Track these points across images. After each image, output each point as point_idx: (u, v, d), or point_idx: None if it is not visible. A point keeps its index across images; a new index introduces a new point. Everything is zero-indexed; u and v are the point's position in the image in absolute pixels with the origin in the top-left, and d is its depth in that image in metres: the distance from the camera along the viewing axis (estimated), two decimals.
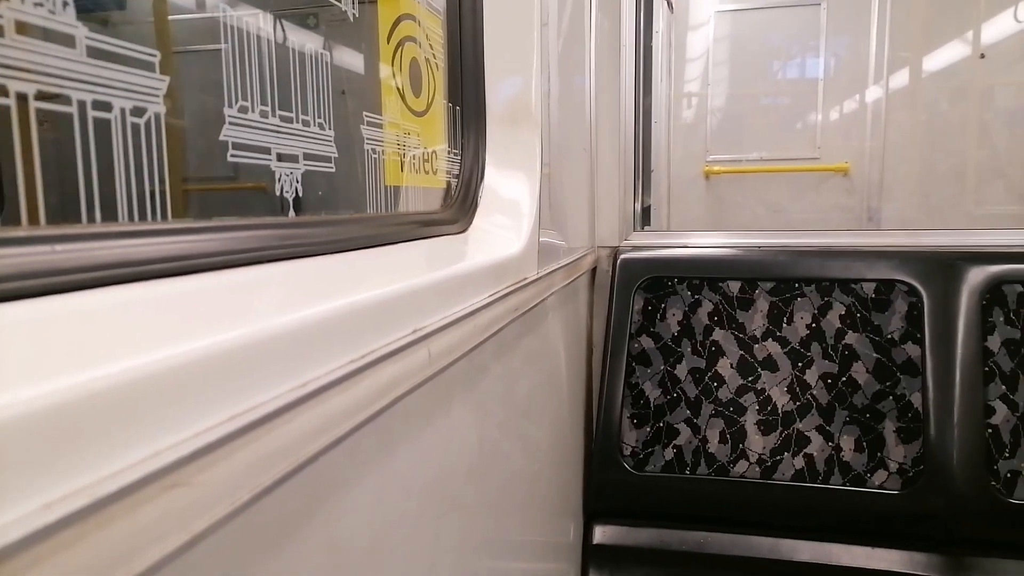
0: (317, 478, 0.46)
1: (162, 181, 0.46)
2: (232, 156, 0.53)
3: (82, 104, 0.39)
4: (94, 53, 0.39)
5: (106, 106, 0.41)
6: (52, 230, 0.38)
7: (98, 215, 0.40)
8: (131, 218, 0.44)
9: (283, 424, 0.39)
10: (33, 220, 0.37)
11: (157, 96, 0.44)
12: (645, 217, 2.22)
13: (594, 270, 1.84)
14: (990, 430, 1.51)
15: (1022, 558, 1.48)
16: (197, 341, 0.35)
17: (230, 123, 0.52)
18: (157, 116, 0.44)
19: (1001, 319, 1.56)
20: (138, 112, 0.43)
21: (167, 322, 0.38)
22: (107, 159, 0.41)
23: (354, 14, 0.71)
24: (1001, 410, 1.52)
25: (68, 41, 0.38)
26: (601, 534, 1.64)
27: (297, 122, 0.61)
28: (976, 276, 1.57)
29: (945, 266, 1.60)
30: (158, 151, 0.45)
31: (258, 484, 0.36)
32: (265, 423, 0.37)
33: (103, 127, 0.41)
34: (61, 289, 0.35)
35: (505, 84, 1.10)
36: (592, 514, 1.67)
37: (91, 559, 0.26)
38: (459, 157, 1.04)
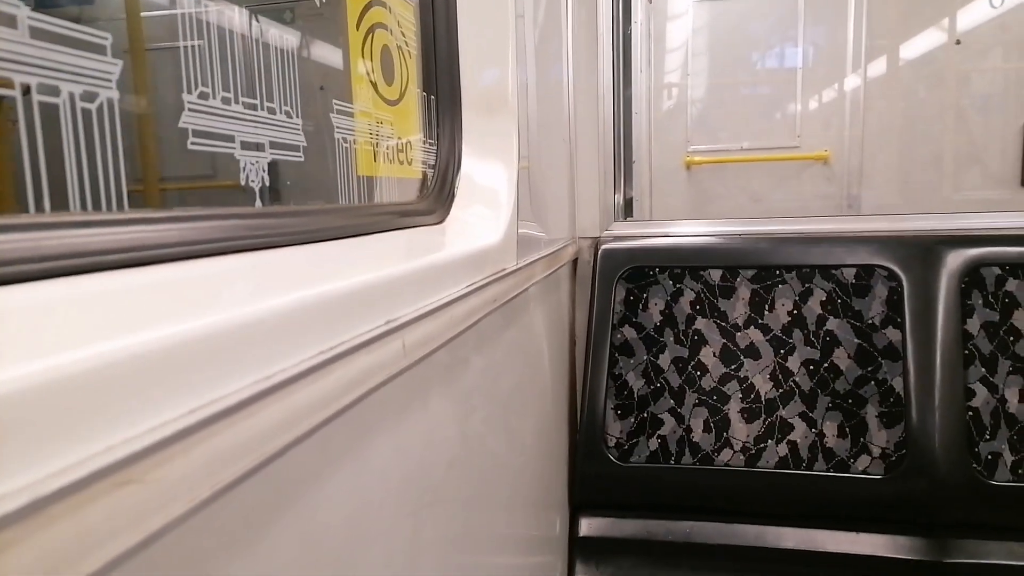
0: (286, 472, 0.45)
1: (117, 171, 0.44)
2: (193, 144, 0.51)
3: (26, 87, 0.37)
4: (39, 35, 0.38)
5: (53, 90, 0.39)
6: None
7: (47, 204, 0.39)
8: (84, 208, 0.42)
9: (247, 417, 0.37)
10: None
11: (109, 81, 0.43)
12: (628, 209, 2.22)
13: (575, 261, 1.83)
14: (971, 413, 1.52)
15: (1004, 539, 1.49)
16: (153, 331, 0.33)
17: (190, 110, 0.51)
18: (110, 101, 0.42)
19: (980, 302, 1.57)
20: (88, 97, 0.41)
21: (122, 314, 0.36)
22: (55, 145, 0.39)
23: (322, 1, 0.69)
24: (981, 392, 1.53)
25: (10, 22, 0.36)
26: (587, 526, 1.64)
27: (262, 109, 0.59)
28: (955, 260, 1.58)
29: (924, 250, 1.61)
30: (111, 139, 0.43)
31: (220, 480, 0.35)
32: (227, 416, 0.35)
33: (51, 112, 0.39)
34: (7, 280, 0.33)
35: (481, 74, 1.09)
36: (578, 506, 1.67)
37: (31, 561, 0.24)
38: (435, 147, 1.02)
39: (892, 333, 1.59)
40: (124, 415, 0.30)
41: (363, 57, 0.81)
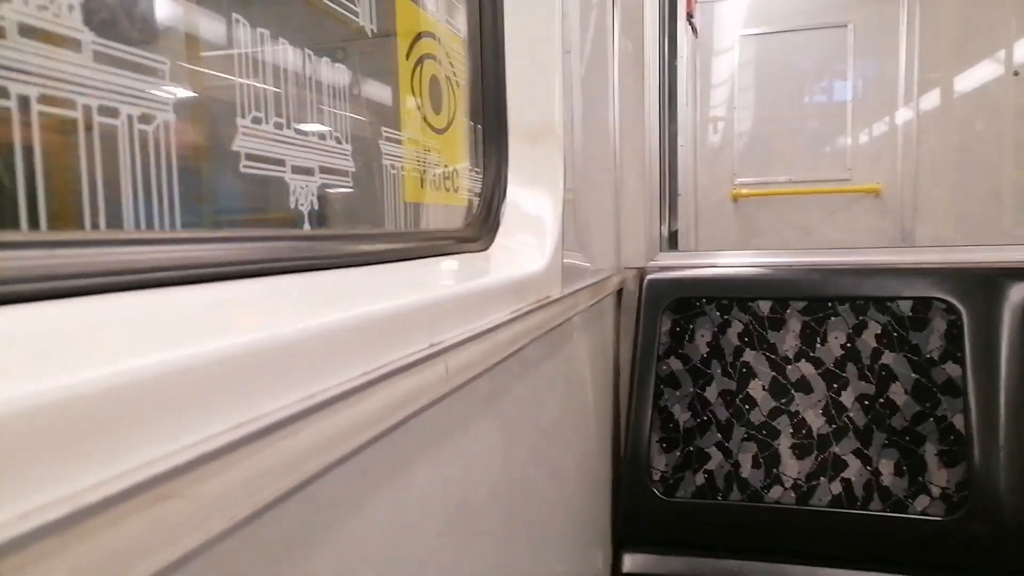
0: (326, 493, 0.44)
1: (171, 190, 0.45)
2: (245, 167, 0.52)
3: (87, 109, 0.38)
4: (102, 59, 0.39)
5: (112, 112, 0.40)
6: (57, 235, 0.37)
7: (103, 222, 0.40)
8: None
9: (289, 436, 0.37)
10: (33, 224, 0.36)
11: (167, 105, 0.44)
12: (672, 241, 2.19)
13: (620, 291, 1.82)
14: None
15: None
16: (199, 347, 0.33)
17: (243, 134, 0.52)
18: (166, 124, 0.43)
19: None
20: (146, 119, 0.42)
21: (173, 329, 0.37)
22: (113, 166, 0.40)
23: (373, 29, 0.71)
24: None
25: (74, 45, 0.37)
26: (631, 562, 1.59)
27: (313, 135, 0.60)
28: (1018, 293, 1.52)
29: (985, 283, 1.55)
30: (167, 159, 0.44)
31: (260, 499, 0.34)
32: (270, 434, 0.35)
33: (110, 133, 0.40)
34: (59, 294, 0.34)
35: (528, 105, 1.10)
36: (621, 541, 1.63)
37: (70, 573, 0.24)
38: (480, 175, 1.03)
39: (952, 368, 1.53)
40: (167, 429, 0.30)
41: (412, 86, 0.82)
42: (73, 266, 0.36)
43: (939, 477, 1.49)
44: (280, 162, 0.57)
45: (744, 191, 3.66)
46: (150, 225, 0.43)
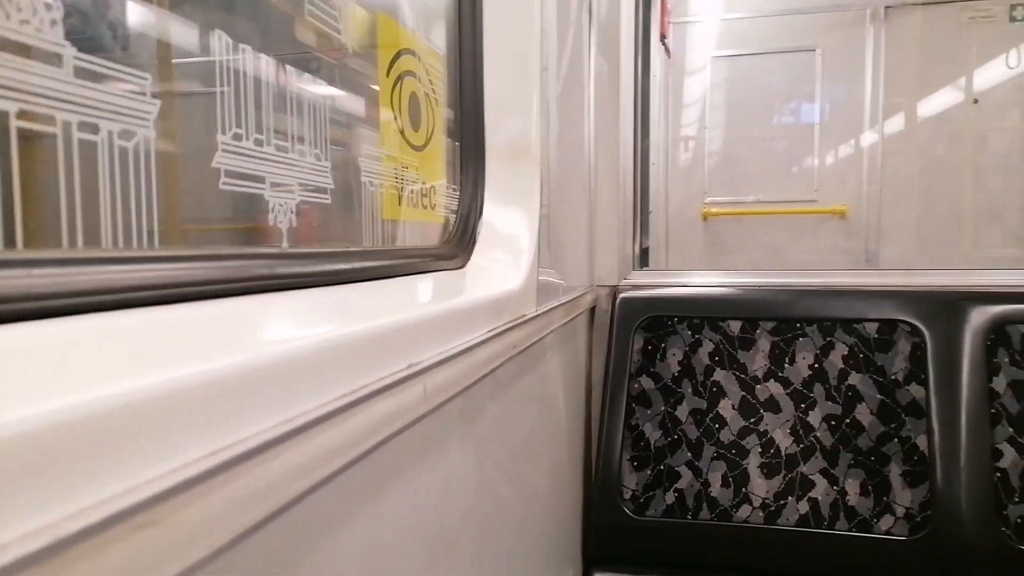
0: (305, 517, 0.44)
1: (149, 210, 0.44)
2: (224, 184, 0.52)
3: (67, 125, 0.37)
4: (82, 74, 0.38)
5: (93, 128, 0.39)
6: (29, 254, 0.36)
7: (80, 240, 0.39)
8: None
9: (269, 460, 0.37)
10: (9, 243, 0.35)
11: (147, 120, 0.43)
12: (644, 258, 2.21)
13: (593, 309, 1.83)
14: (998, 474, 1.48)
15: None
16: (177, 371, 0.33)
17: (223, 150, 0.51)
18: (146, 140, 0.43)
19: (1006, 360, 1.54)
20: (126, 135, 0.42)
21: (147, 351, 0.36)
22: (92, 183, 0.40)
23: (353, 47, 0.71)
24: (1009, 453, 1.49)
25: (55, 60, 0.37)
26: None
27: (292, 151, 0.60)
28: (979, 316, 1.56)
29: (948, 306, 1.58)
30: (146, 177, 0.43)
31: (240, 524, 0.34)
32: (249, 459, 0.35)
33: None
34: (35, 315, 0.33)
35: (505, 123, 1.10)
36: (591, 560, 1.62)
37: None
38: (458, 193, 1.03)
39: (915, 390, 1.56)
40: (147, 455, 0.30)
41: (392, 103, 0.82)
42: (44, 286, 0.35)
43: (903, 497, 1.51)
44: (259, 179, 0.57)
45: (714, 210, 3.71)
46: (128, 242, 0.43)
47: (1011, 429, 1.50)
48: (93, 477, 0.27)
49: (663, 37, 3.34)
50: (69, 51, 0.37)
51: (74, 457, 0.26)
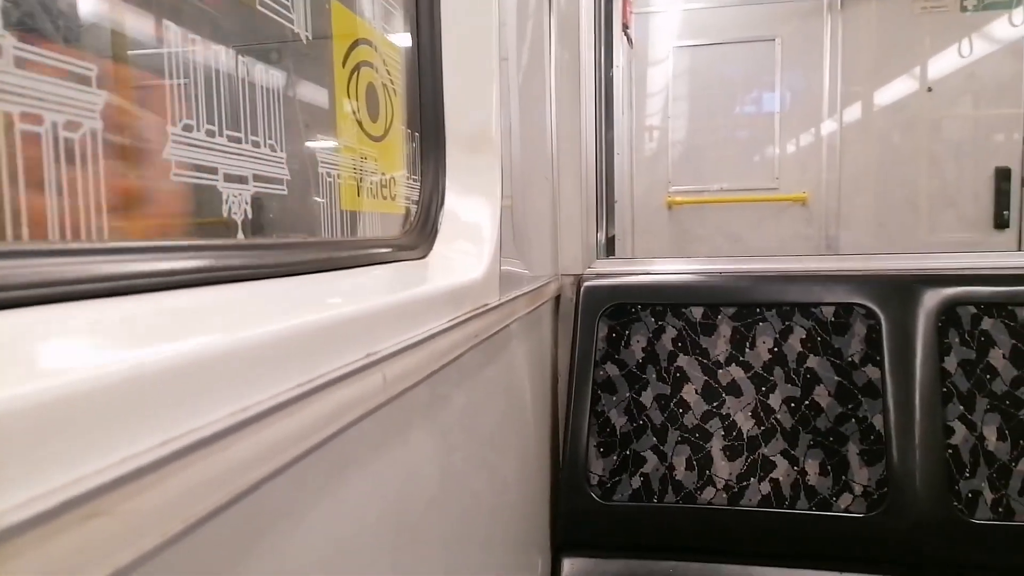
0: (261, 507, 0.44)
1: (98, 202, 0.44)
2: (176, 176, 0.51)
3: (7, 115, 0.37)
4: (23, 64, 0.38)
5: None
6: None
7: (25, 232, 0.38)
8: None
9: (222, 450, 0.37)
10: None
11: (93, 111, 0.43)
12: (609, 247, 2.23)
13: (558, 298, 1.84)
14: (950, 451, 1.53)
15: None
16: (125, 360, 0.33)
17: (173, 142, 0.51)
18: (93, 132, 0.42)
19: (956, 340, 1.58)
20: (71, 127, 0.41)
21: (97, 342, 0.36)
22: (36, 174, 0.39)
23: (307, 36, 0.70)
24: (960, 430, 1.54)
25: None
26: (570, 567, 1.61)
27: (246, 143, 0.60)
28: (931, 299, 1.60)
29: (901, 289, 1.63)
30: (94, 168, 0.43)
31: (192, 514, 0.34)
32: (201, 448, 0.35)
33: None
34: None
35: (465, 112, 1.10)
36: (560, 546, 1.64)
37: None
38: (418, 183, 1.03)
39: (871, 371, 1.60)
40: (94, 444, 0.30)
41: (348, 94, 0.81)
42: None
43: (860, 475, 1.56)
44: (212, 170, 0.56)
45: (679, 199, 3.75)
46: (76, 235, 0.42)
47: (961, 407, 1.55)
48: (39, 467, 0.27)
49: (625, 27, 3.36)
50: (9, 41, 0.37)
51: (17, 447, 0.26)
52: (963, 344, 1.58)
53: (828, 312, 1.65)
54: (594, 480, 1.65)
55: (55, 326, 0.36)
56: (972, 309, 1.59)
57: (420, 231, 0.99)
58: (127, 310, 0.41)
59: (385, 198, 0.92)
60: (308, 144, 0.73)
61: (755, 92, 3.69)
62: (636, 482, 1.63)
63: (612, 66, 2.32)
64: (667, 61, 3.73)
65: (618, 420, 1.67)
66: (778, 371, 1.64)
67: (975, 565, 1.50)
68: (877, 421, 1.57)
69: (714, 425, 1.64)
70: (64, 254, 0.41)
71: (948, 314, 1.59)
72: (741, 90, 3.69)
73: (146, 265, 0.46)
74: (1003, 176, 3.35)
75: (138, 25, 0.50)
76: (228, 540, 0.41)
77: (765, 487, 1.59)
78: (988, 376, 1.56)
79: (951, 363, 1.57)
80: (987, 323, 1.58)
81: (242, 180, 0.59)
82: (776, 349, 1.65)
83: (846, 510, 1.55)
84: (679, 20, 3.72)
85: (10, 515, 0.24)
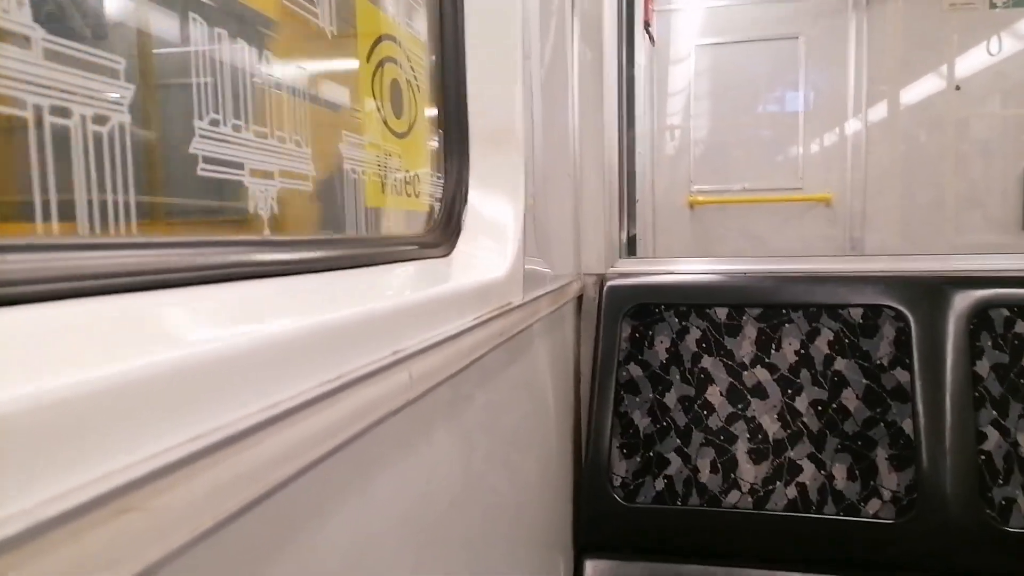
0: (288, 504, 0.43)
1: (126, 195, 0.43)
2: (203, 170, 0.51)
3: (38, 108, 0.37)
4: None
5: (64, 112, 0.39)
6: (3, 240, 0.36)
7: (55, 226, 0.38)
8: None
9: (251, 446, 0.36)
10: None
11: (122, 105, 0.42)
12: (631, 247, 2.21)
13: (580, 297, 1.83)
14: (983, 456, 1.50)
15: None
16: (159, 356, 0.32)
17: (200, 136, 0.51)
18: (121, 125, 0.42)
19: (989, 343, 1.55)
20: (100, 120, 0.41)
21: (128, 338, 0.36)
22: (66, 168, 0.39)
23: (332, 31, 0.70)
24: (993, 436, 1.50)
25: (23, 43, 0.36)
26: (592, 569, 1.60)
27: (272, 138, 0.59)
28: (962, 301, 1.57)
29: (931, 291, 1.60)
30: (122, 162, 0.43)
31: (222, 510, 0.34)
32: (231, 444, 0.34)
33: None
34: (10, 301, 0.32)
35: (489, 110, 1.10)
36: (582, 548, 1.63)
37: None
38: (442, 180, 1.02)
39: (900, 374, 1.57)
40: (126, 440, 0.29)
41: (373, 90, 0.81)
42: (18, 272, 0.34)
43: (889, 480, 1.53)
44: (239, 165, 0.56)
45: (700, 198, 3.72)
46: (106, 229, 0.42)
47: (994, 412, 1.51)
48: (71, 462, 0.27)
49: (647, 25, 3.34)
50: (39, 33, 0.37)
51: (52, 442, 0.26)
52: (996, 348, 1.55)
53: (856, 314, 1.62)
54: (617, 482, 1.63)
55: (86, 319, 0.35)
56: (1005, 312, 1.56)
57: (443, 229, 0.99)
58: (156, 306, 0.41)
59: (409, 195, 0.91)
60: (333, 140, 0.73)
61: (778, 91, 3.65)
62: (659, 484, 1.62)
63: (634, 64, 2.30)
64: (689, 59, 3.71)
65: (641, 421, 1.66)
66: (805, 373, 1.62)
67: (1008, 574, 1.46)
68: (907, 425, 1.54)
69: (739, 427, 1.62)
70: (97, 248, 0.40)
71: (980, 317, 1.56)
72: (764, 89, 3.65)
73: (176, 260, 0.45)
74: None
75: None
76: (256, 537, 0.40)
77: (791, 491, 1.56)
78: (1023, 381, 1.52)
79: (983, 367, 1.54)
80: (1021, 326, 1.55)
81: (268, 175, 0.59)
82: (803, 351, 1.63)
83: (874, 516, 1.52)
84: (701, 18, 3.69)
85: (44, 509, 0.24)
